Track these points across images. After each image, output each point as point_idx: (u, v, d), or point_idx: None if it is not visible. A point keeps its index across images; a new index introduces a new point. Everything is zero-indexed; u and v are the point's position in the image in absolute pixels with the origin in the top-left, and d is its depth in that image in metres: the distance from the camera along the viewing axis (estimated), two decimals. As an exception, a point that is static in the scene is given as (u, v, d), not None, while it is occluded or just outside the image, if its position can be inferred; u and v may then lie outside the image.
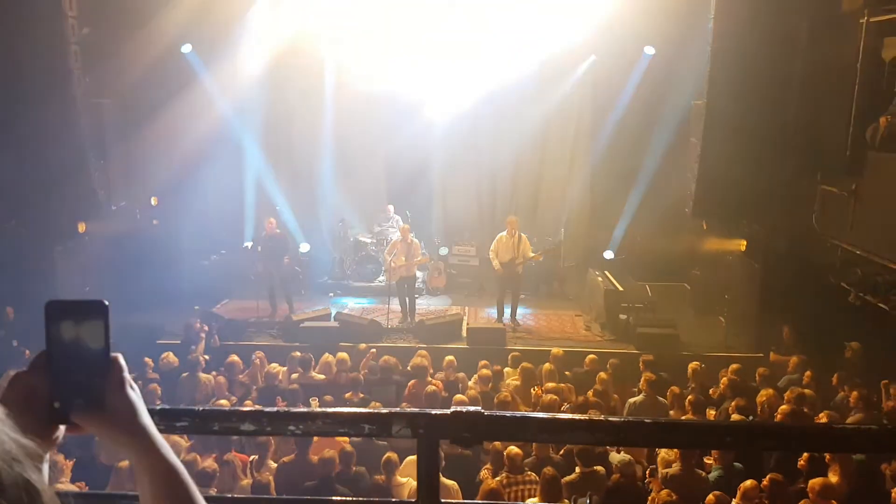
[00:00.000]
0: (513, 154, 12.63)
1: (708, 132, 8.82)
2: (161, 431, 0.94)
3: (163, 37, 10.38)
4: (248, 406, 6.58)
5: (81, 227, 9.89)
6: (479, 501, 4.37)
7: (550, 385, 7.03)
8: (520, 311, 10.72)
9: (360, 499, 4.71)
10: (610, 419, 1.57)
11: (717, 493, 4.42)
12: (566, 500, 4.74)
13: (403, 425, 1.43)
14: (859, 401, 6.07)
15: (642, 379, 6.89)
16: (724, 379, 6.96)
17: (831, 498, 4.42)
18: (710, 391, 7.07)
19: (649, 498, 4.82)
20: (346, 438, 5.50)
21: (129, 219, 11.04)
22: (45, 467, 0.80)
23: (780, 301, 8.85)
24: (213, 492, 4.84)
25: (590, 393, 6.91)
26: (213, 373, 7.63)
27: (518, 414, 1.53)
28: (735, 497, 4.49)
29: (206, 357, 8.13)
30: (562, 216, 12.73)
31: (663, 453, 5.42)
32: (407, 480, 5.13)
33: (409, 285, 10.56)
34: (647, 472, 5.35)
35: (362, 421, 1.48)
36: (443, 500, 1.51)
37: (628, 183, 12.08)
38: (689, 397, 6.45)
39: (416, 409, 1.53)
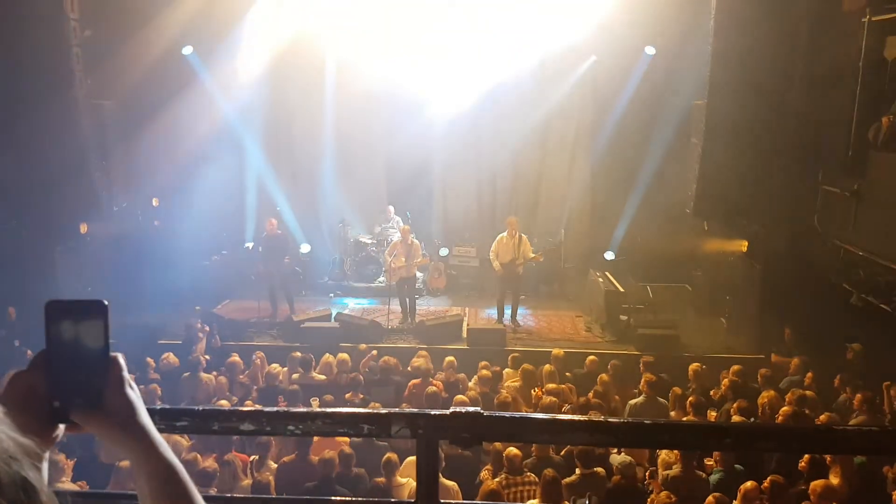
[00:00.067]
0: (513, 154, 12.62)
1: (709, 132, 8.83)
2: (161, 431, 0.94)
3: (163, 38, 10.41)
4: (249, 406, 6.59)
5: (83, 228, 9.92)
6: (479, 502, 4.36)
7: (551, 386, 7.03)
8: (520, 311, 10.72)
9: (360, 499, 4.72)
10: (609, 420, 1.57)
11: (716, 494, 4.41)
12: (566, 502, 4.74)
13: (403, 425, 1.43)
14: (863, 403, 6.05)
15: (642, 380, 6.88)
16: (725, 380, 6.95)
17: (832, 500, 4.41)
18: (712, 392, 7.06)
19: (648, 500, 4.81)
20: (347, 439, 5.50)
21: (130, 219, 11.07)
22: (45, 466, 0.80)
23: (782, 302, 8.83)
24: (213, 492, 4.84)
25: (590, 394, 6.91)
26: (214, 373, 7.63)
27: (517, 414, 1.52)
28: (736, 499, 4.48)
29: (207, 357, 8.14)
30: (562, 217, 12.73)
31: (664, 455, 5.41)
32: (407, 481, 5.13)
33: (409, 286, 10.57)
34: (647, 473, 5.34)
35: (361, 421, 1.48)
36: (442, 501, 1.51)
37: (629, 183, 12.08)
38: (690, 398, 6.44)
39: (416, 410, 1.53)
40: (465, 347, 9.45)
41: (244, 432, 1.46)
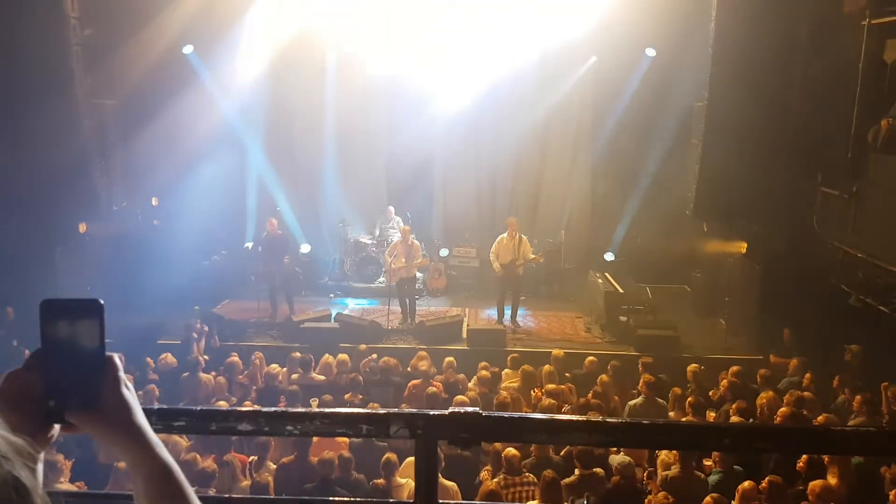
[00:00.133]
0: (513, 155, 12.62)
1: (709, 134, 8.83)
2: (159, 431, 0.94)
3: (164, 37, 10.41)
4: (248, 407, 6.58)
5: (82, 228, 9.92)
6: (478, 503, 4.37)
7: (551, 387, 7.03)
8: (520, 312, 10.72)
9: (359, 499, 4.72)
10: (606, 420, 1.57)
11: (714, 495, 4.41)
12: (565, 503, 4.74)
13: (401, 426, 1.43)
14: (863, 405, 6.05)
15: (641, 381, 6.88)
16: (724, 381, 6.95)
17: (830, 500, 4.41)
18: (710, 393, 7.06)
19: (646, 500, 4.81)
20: (346, 442, 5.50)
21: (130, 219, 11.07)
22: (40, 466, 0.80)
23: (781, 303, 8.83)
24: (212, 492, 4.84)
25: (590, 395, 6.91)
26: (213, 373, 7.63)
27: (515, 415, 1.52)
28: (734, 499, 4.48)
29: (206, 357, 8.13)
30: (562, 218, 12.73)
31: (664, 455, 5.41)
32: (406, 481, 5.13)
33: (409, 286, 10.56)
34: (646, 474, 5.34)
35: (360, 421, 1.48)
36: (441, 502, 1.51)
37: (629, 184, 12.08)
38: (689, 399, 6.45)
39: (414, 410, 1.53)
40: (465, 348, 9.44)
41: (242, 432, 1.46)
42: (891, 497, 4.60)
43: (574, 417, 1.50)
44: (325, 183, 12.71)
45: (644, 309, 10.32)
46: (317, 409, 1.66)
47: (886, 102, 7.40)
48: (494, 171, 12.90)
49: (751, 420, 5.95)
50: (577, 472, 5.09)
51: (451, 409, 1.44)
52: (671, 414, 6.63)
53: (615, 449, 5.47)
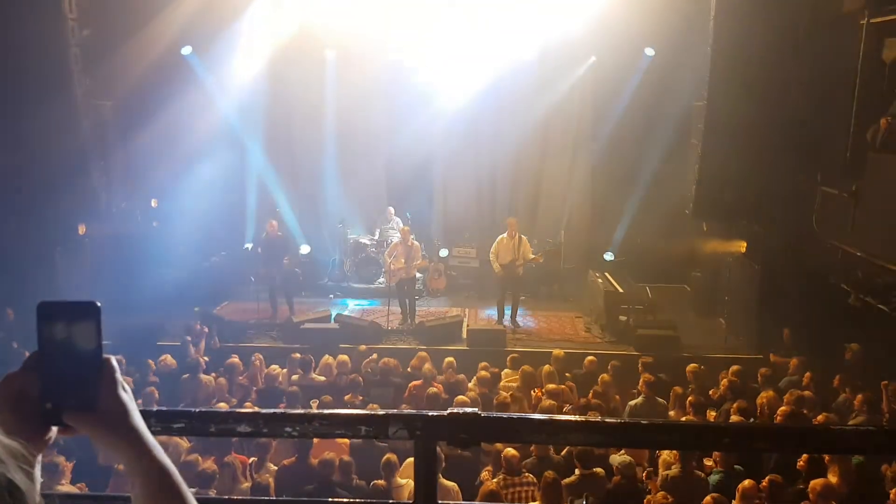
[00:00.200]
0: (513, 155, 12.63)
1: (708, 133, 8.83)
2: (158, 433, 0.94)
3: (163, 38, 10.41)
4: (248, 408, 6.58)
5: (82, 229, 9.92)
6: (478, 503, 4.36)
7: (551, 387, 7.02)
8: (520, 312, 10.71)
9: (358, 500, 4.71)
10: (605, 420, 1.57)
11: (714, 495, 4.41)
12: (565, 503, 4.73)
13: (400, 427, 1.43)
14: (863, 404, 6.05)
15: (641, 381, 6.88)
16: (724, 381, 6.95)
17: (831, 499, 4.41)
18: (711, 392, 7.06)
19: (645, 500, 4.81)
20: (347, 442, 5.50)
21: (129, 220, 11.07)
22: (37, 468, 0.80)
23: (781, 302, 8.84)
24: (212, 493, 4.84)
25: (590, 394, 6.90)
26: (213, 374, 7.62)
27: (514, 415, 1.52)
28: (735, 499, 4.48)
29: (206, 358, 8.13)
30: (562, 218, 12.73)
31: (664, 455, 5.41)
32: (407, 482, 5.12)
33: (408, 287, 10.56)
34: (645, 474, 5.34)
35: (359, 422, 1.48)
36: (441, 502, 1.51)
37: (628, 184, 12.08)
38: (690, 398, 6.45)
39: (413, 411, 1.53)
40: (465, 348, 9.44)
41: (241, 434, 1.46)
42: (892, 495, 4.60)
43: (573, 418, 1.51)
44: (325, 183, 12.71)
45: (644, 309, 10.32)
46: (315, 411, 1.66)
47: (885, 101, 7.39)
48: (494, 171, 12.90)
49: (751, 419, 5.94)
50: (577, 472, 5.09)
51: (449, 410, 1.44)
52: (672, 413, 6.63)
53: (615, 448, 5.46)
